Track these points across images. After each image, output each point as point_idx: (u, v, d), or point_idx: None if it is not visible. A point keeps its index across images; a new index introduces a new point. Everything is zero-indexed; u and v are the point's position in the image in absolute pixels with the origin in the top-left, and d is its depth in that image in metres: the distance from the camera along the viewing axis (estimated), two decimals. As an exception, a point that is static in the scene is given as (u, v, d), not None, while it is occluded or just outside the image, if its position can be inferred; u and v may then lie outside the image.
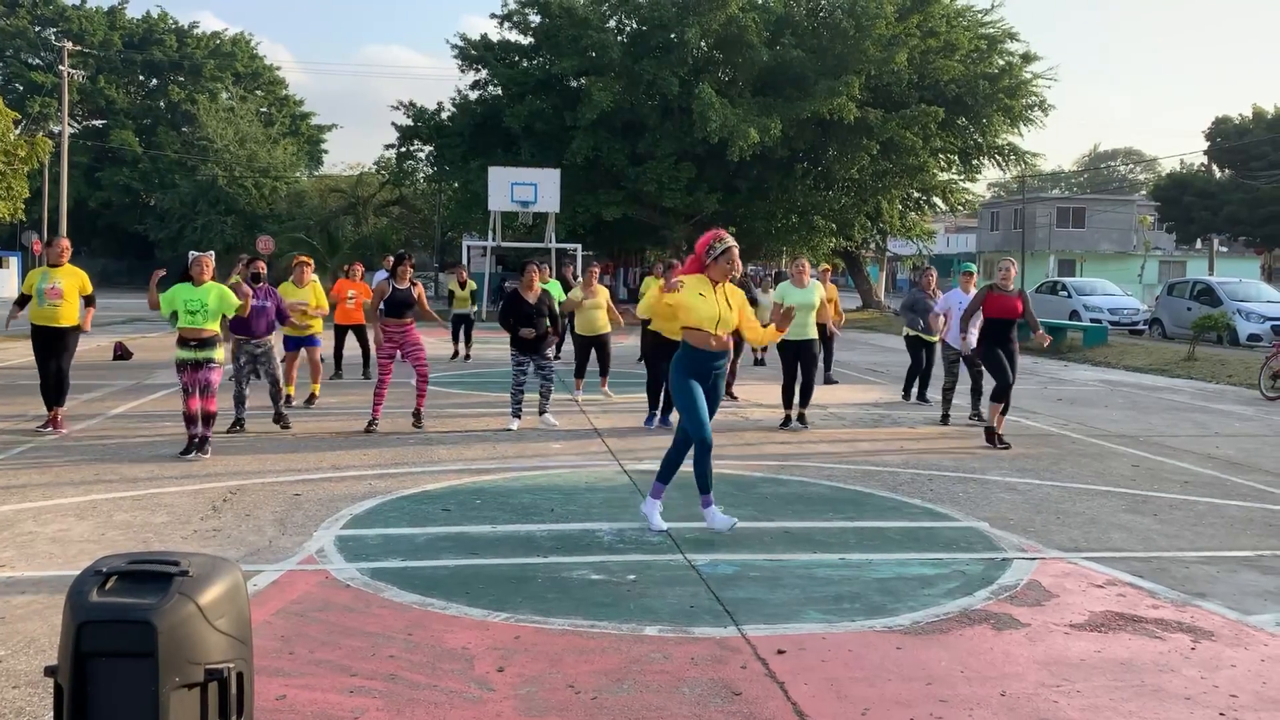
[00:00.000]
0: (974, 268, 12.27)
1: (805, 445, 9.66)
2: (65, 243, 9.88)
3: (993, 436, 9.65)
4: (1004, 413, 9.69)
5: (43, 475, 7.66)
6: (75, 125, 54.23)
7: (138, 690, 2.76)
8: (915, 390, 12.98)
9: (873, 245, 42.16)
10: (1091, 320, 26.59)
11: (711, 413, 6.42)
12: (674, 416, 10.32)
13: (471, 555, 5.71)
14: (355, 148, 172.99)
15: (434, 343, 18.99)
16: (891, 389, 14.26)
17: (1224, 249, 53.80)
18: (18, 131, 29.54)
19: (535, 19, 33.55)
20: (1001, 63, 33.95)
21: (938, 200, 38.06)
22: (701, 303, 6.28)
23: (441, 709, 3.73)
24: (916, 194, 37.21)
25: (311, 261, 12.42)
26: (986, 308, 9.80)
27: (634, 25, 33.04)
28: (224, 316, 8.89)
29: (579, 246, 31.80)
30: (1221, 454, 9.68)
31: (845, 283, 49.58)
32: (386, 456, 8.64)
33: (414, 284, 10.23)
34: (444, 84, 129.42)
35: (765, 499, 7.26)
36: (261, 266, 10.57)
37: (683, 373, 6.37)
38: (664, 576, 5.36)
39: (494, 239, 31.82)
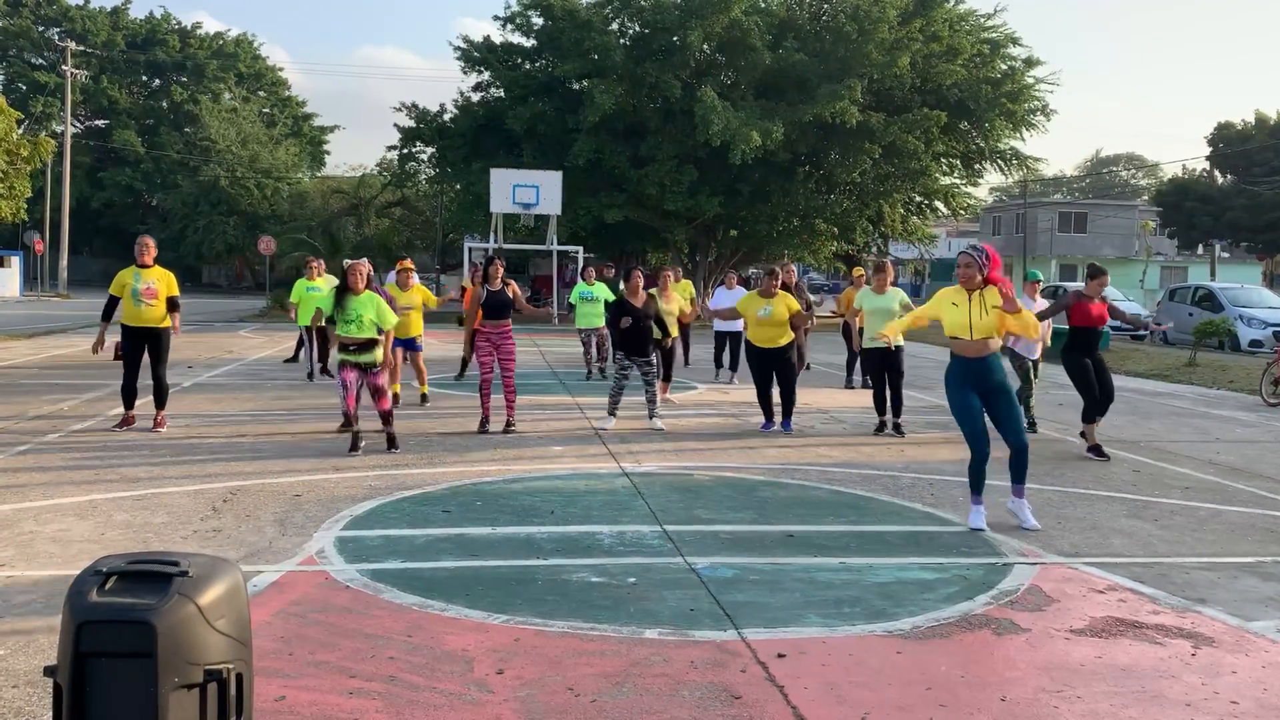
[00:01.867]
0: (1040, 275, 12.17)
1: (806, 449, 9.65)
2: (150, 242, 9.83)
3: (1099, 450, 9.49)
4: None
5: (43, 475, 7.66)
6: (78, 125, 54.33)
7: (137, 691, 2.76)
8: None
9: (874, 249, 42.15)
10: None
11: (1005, 416, 6.63)
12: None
13: (471, 557, 5.71)
14: (357, 149, 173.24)
15: (432, 343, 19.00)
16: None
17: (1226, 254, 53.72)
18: (20, 131, 29.55)
19: (538, 21, 33.58)
20: (1004, 67, 33.96)
21: (939, 204, 38.06)
22: (955, 311, 6.60)
23: (441, 711, 3.73)
24: (918, 198, 37.21)
25: (413, 265, 12.41)
26: (1074, 316, 9.61)
27: (636, 28, 33.05)
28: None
29: (580, 249, 31.81)
30: (1222, 460, 9.67)
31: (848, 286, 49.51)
32: (387, 458, 8.63)
33: (507, 283, 10.15)
34: (440, 85, 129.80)
35: (766, 502, 7.26)
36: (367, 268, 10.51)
37: (952, 384, 6.71)
38: (664, 579, 5.36)
39: (496, 241, 31.82)
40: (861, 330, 10.89)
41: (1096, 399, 9.58)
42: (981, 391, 6.64)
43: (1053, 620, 4.89)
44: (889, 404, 10.64)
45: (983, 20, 34.29)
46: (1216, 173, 51.79)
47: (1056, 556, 6.04)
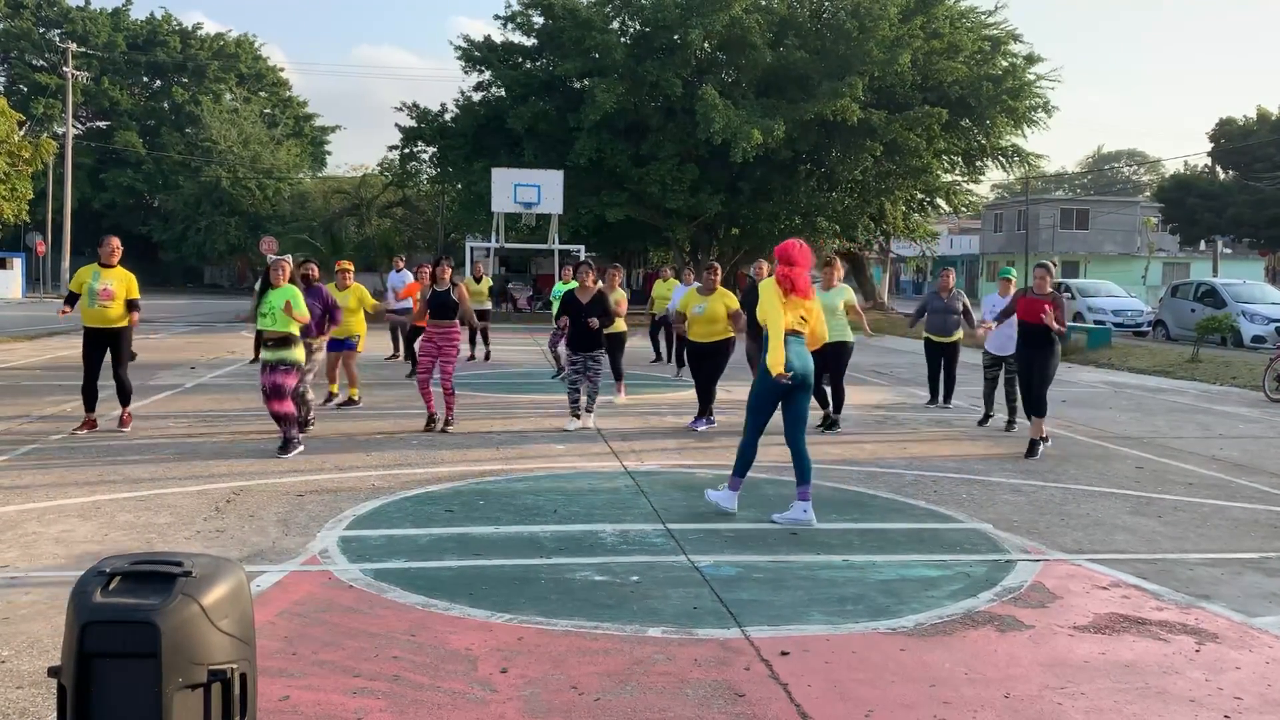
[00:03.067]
0: (1014, 273, 12.14)
1: (810, 446, 9.63)
2: (116, 242, 9.80)
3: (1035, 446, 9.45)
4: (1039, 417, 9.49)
5: (46, 476, 7.67)
6: (79, 126, 54.34)
7: (141, 691, 2.76)
8: (937, 392, 12.88)
9: (876, 247, 42.12)
10: (1095, 322, 26.55)
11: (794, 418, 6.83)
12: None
13: (475, 556, 5.71)
14: (357, 149, 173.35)
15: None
16: (896, 390, 14.25)
17: (1228, 251, 53.63)
18: (22, 133, 29.58)
19: (538, 20, 33.54)
20: (1005, 64, 33.89)
21: (941, 202, 37.99)
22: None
23: (444, 710, 3.73)
24: (920, 195, 37.14)
25: (352, 266, 12.51)
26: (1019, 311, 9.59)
27: (637, 27, 33.02)
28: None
29: (582, 248, 31.80)
30: (1226, 456, 9.66)
31: (850, 284, 49.44)
32: (390, 458, 8.64)
33: (455, 285, 10.16)
34: (439, 84, 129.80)
35: (769, 500, 7.25)
36: (313, 269, 10.54)
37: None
38: (667, 578, 5.36)
39: (497, 240, 31.82)
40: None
41: (1026, 394, 9.50)
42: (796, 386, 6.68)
43: (1056, 617, 4.89)
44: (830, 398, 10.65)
45: (984, 17, 34.23)
46: (1219, 169, 51.70)
47: (1060, 553, 6.03)
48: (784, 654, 4.32)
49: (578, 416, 10.44)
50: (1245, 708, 3.90)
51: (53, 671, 2.86)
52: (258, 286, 9.10)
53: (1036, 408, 9.37)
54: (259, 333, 8.70)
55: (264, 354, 8.81)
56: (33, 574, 5.23)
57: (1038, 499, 7.53)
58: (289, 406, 8.76)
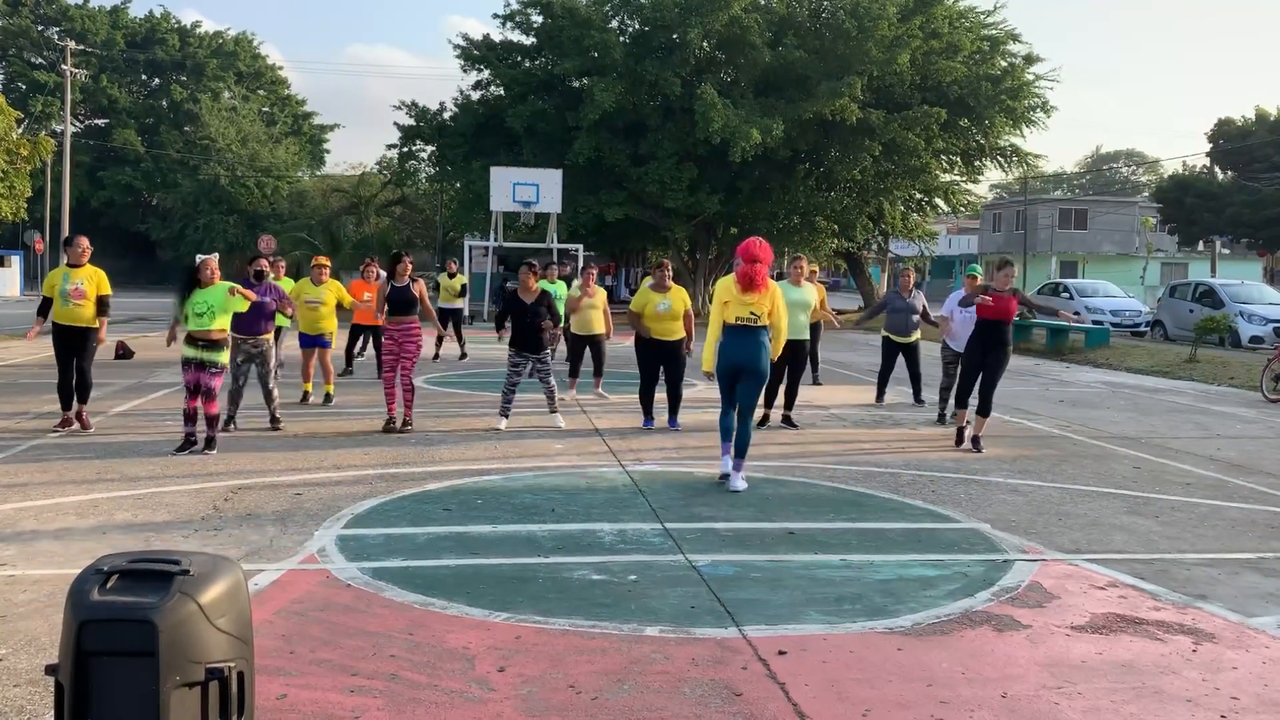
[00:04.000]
0: (979, 270, 12.20)
1: (807, 446, 9.65)
2: (85, 242, 9.80)
3: (961, 438, 9.69)
4: (981, 414, 9.58)
5: (44, 474, 7.66)
6: (78, 124, 54.33)
7: (138, 689, 2.76)
8: (884, 391, 12.97)
9: (874, 246, 42.11)
10: (1094, 322, 26.58)
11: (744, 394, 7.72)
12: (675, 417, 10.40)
13: (473, 555, 5.71)
14: (355, 148, 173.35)
15: (429, 339, 18.99)
16: (893, 390, 14.24)
17: (1226, 251, 53.72)
18: (20, 131, 29.53)
19: (537, 19, 33.52)
20: (1004, 64, 33.89)
21: (940, 201, 37.99)
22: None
23: (442, 709, 3.73)
24: (918, 195, 37.14)
25: (329, 262, 12.46)
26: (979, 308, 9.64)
27: (636, 26, 33.02)
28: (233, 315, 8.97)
29: (580, 247, 31.79)
30: (1223, 456, 9.67)
31: (848, 284, 49.41)
32: (388, 456, 8.64)
33: (414, 280, 10.16)
34: (437, 83, 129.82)
35: (767, 500, 7.26)
36: (264, 264, 10.57)
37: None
38: (665, 577, 5.36)
39: (496, 239, 31.82)
40: None
41: (968, 388, 9.64)
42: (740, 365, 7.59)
43: (1053, 617, 4.90)
44: (780, 396, 10.67)
45: (982, 17, 34.22)
46: (1217, 169, 51.74)
47: (1057, 553, 6.04)
48: (781, 653, 4.32)
49: (507, 416, 10.26)
50: (1242, 707, 3.90)
51: (50, 670, 2.86)
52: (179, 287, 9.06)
53: (988, 407, 9.50)
54: (187, 332, 8.64)
55: (194, 353, 8.63)
56: (30, 572, 5.23)
57: (1035, 499, 7.54)
58: (217, 407, 8.77)
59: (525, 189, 30.11)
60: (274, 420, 10.03)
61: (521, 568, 5.49)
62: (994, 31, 34.18)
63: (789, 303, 10.52)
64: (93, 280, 9.59)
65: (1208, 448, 10.15)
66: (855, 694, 3.94)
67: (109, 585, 2.85)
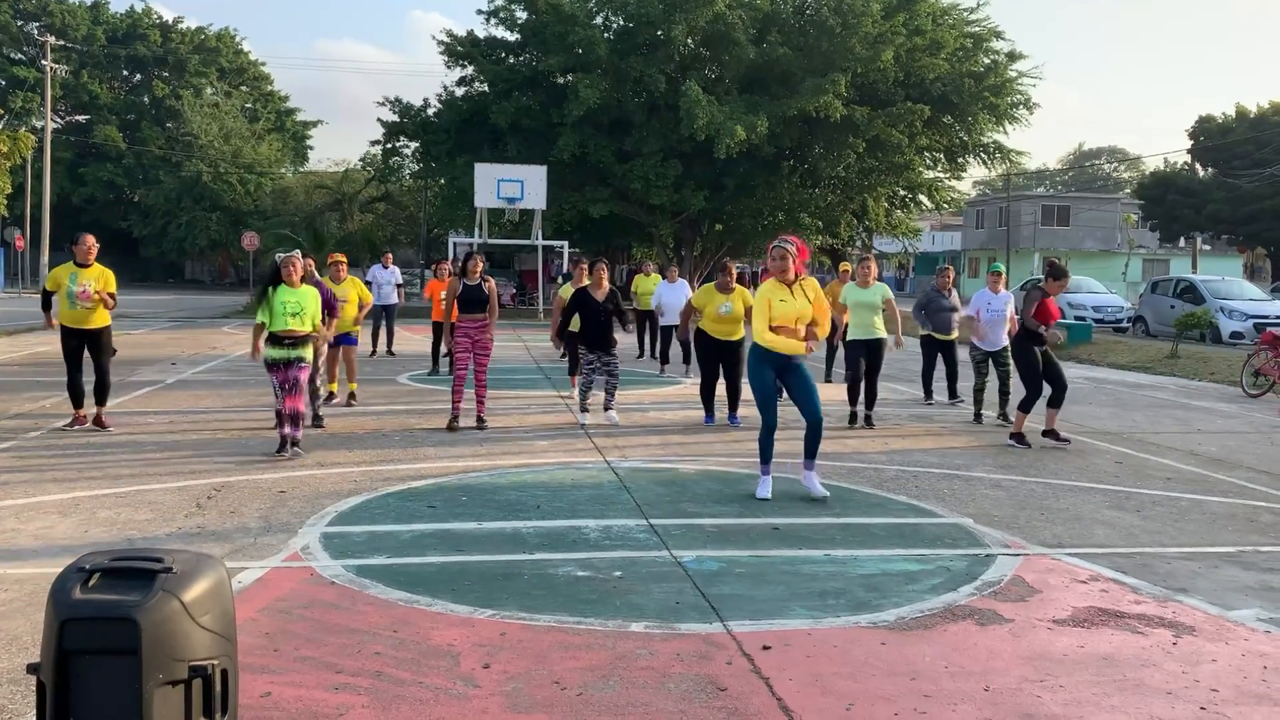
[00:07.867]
0: (1002, 267, 12.19)
1: (791, 442, 9.66)
2: (91, 240, 9.54)
3: (1022, 439, 9.63)
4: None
5: (25, 472, 7.61)
6: (58, 121, 53.90)
7: (121, 688, 2.75)
8: (932, 389, 12.93)
9: (858, 243, 42.25)
10: (1076, 318, 26.71)
11: (801, 393, 7.32)
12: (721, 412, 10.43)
13: (457, 552, 5.71)
14: (337, 144, 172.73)
15: (418, 338, 18.96)
16: (886, 389, 14.26)
17: (1207, 247, 54.13)
18: (0, 127, 29.30)
19: (522, 15, 33.48)
20: (987, 61, 34.05)
21: (923, 198, 38.14)
22: (784, 305, 7.14)
23: (427, 706, 3.73)
24: (902, 192, 37.29)
25: (345, 259, 12.24)
26: (1038, 312, 9.61)
27: (620, 22, 33.01)
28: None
29: (565, 243, 31.77)
30: (1204, 451, 9.74)
31: (832, 280, 49.24)
32: (372, 454, 8.62)
33: (485, 279, 10.03)
34: (407, 78, 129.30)
35: (751, 495, 7.27)
36: (311, 264, 10.37)
37: (753, 362, 7.34)
38: (650, 573, 5.37)
39: (480, 236, 31.76)
40: (847, 325, 11.03)
41: (1038, 391, 9.69)
42: (779, 369, 7.26)
43: (1035, 610, 4.93)
44: (863, 396, 10.72)
45: (966, 14, 34.37)
46: (1198, 166, 52.05)
47: (1039, 547, 6.08)
48: (766, 648, 4.34)
49: (587, 411, 10.55)
50: (1221, 699, 3.94)
51: (32, 668, 2.85)
52: (262, 283, 8.83)
53: (1060, 399, 9.78)
54: (265, 329, 8.38)
55: (281, 352, 8.39)
56: (11, 570, 5.20)
57: (1018, 493, 7.58)
58: (304, 403, 8.66)
59: (510, 185, 30.08)
60: (317, 418, 9.94)
61: (506, 564, 5.49)
62: (977, 29, 34.33)
63: (855, 304, 10.77)
64: (101, 280, 9.42)
65: (1189, 442, 10.23)
66: (839, 688, 3.96)
67: (91, 583, 2.84)
